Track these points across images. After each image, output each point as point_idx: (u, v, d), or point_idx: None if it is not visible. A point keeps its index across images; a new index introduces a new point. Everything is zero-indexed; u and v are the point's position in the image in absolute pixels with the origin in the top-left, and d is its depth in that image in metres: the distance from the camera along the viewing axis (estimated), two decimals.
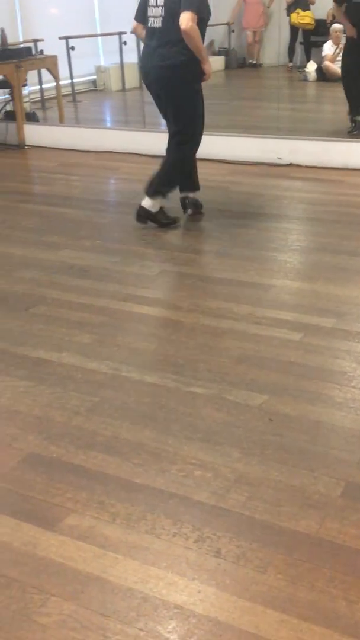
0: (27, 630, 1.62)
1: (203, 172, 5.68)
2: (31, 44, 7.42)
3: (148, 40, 4.18)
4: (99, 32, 10.04)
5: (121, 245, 4.16)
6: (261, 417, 2.42)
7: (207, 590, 1.72)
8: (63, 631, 1.61)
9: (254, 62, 11.67)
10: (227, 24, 11.38)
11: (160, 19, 4.04)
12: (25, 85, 6.88)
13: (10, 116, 6.91)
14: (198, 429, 2.37)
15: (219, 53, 11.65)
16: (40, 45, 7.52)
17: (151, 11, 4.07)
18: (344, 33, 6.89)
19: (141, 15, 4.19)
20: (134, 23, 4.29)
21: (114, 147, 6.24)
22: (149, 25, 4.11)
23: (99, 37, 10.05)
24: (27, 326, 3.13)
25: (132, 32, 4.46)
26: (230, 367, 2.74)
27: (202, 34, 4.08)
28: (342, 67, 6.72)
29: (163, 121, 4.60)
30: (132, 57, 9.02)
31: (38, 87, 8.19)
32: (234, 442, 2.29)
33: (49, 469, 2.19)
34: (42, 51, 7.19)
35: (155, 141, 6.17)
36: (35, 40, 7.64)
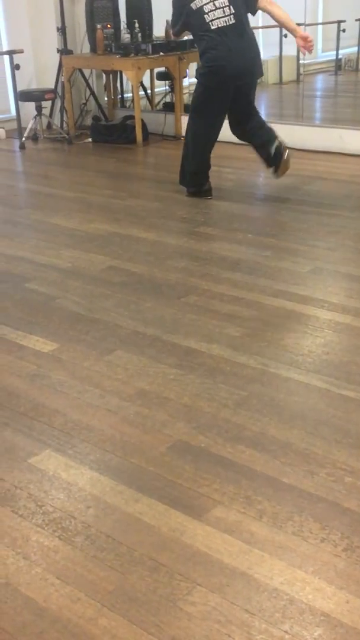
0: (173, 617, 1.64)
1: (357, 168, 5.53)
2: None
3: (224, 38, 4.43)
4: (259, 24, 9.97)
5: (273, 239, 4.12)
6: None
7: (356, 602, 1.66)
8: (208, 622, 1.62)
9: None
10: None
11: (232, 16, 4.42)
12: (185, 77, 6.97)
13: (168, 107, 7.04)
14: (349, 434, 2.29)
15: None
16: None
17: (212, 16, 4.43)
18: None
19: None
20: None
21: None
22: (215, 27, 4.43)
23: (260, 30, 9.98)
24: (179, 315, 3.18)
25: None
26: None
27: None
28: None
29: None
30: (291, 49, 8.91)
31: (195, 79, 8.26)
32: None
33: (197, 458, 2.20)
34: None
35: (311, 135, 6.07)
36: None
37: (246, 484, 2.08)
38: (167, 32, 6.83)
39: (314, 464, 2.16)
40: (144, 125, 6.60)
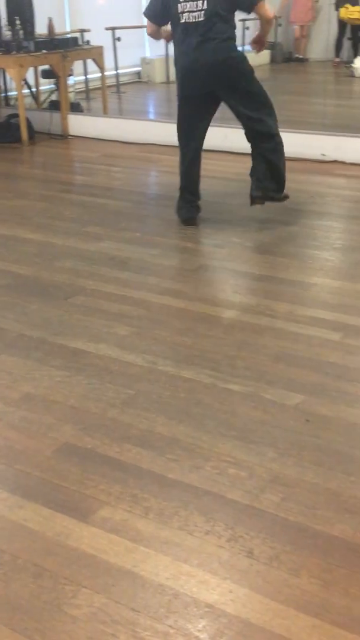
0: (57, 621, 1.62)
1: (242, 166, 5.65)
2: (78, 35, 7.42)
3: (185, 37, 3.90)
4: (145, 23, 10.03)
5: (161, 238, 4.14)
6: (298, 417, 2.39)
7: (238, 591, 1.70)
8: (93, 624, 1.61)
9: (300, 56, 11.54)
10: (274, 17, 11.25)
11: (202, 12, 3.81)
12: (70, 75, 6.90)
13: (54, 106, 6.95)
14: (233, 427, 2.34)
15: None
16: (86, 36, 7.52)
17: (184, 7, 3.85)
18: None
19: (161, 18, 4.05)
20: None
21: (157, 140, 6.21)
22: (184, 21, 3.87)
23: (145, 29, 10.04)
24: (65, 316, 3.14)
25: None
26: (268, 365, 2.71)
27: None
28: None
29: None
30: None
31: (83, 77, 8.20)
32: (270, 441, 2.26)
33: (83, 460, 2.19)
34: (88, 42, 7.20)
35: None
36: (82, 31, 7.64)
37: (133, 482, 2.08)
38: (50, 29, 6.75)
39: (199, 458, 2.19)
40: (29, 124, 6.48)
